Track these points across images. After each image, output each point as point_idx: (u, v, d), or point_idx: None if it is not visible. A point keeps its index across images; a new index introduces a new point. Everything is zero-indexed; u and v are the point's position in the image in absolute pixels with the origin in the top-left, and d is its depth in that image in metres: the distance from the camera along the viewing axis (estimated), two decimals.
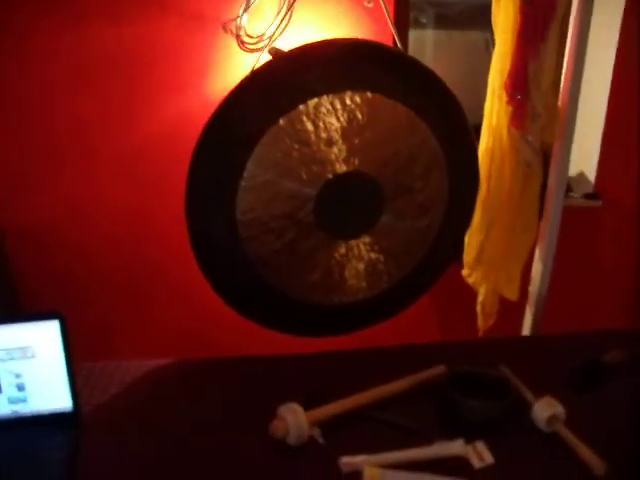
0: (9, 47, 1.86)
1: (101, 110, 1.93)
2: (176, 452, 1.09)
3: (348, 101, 1.29)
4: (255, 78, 1.25)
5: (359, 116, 1.31)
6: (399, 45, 1.43)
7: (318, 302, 1.49)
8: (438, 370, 1.22)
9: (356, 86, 1.29)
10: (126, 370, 1.36)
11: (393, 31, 1.40)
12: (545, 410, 1.11)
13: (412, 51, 2.03)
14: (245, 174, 1.30)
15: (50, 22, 1.81)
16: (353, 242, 1.44)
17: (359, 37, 1.31)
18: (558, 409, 1.11)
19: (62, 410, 1.16)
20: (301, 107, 1.28)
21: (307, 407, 1.10)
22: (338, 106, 1.29)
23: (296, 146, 1.30)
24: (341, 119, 1.31)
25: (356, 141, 1.34)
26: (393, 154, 1.38)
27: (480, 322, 1.81)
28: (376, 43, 1.29)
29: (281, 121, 1.28)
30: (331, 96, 1.28)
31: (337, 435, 1.09)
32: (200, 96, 1.84)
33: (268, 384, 1.29)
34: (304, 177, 1.33)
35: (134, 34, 1.81)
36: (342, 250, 1.44)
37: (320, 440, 1.07)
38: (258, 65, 1.25)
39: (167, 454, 1.09)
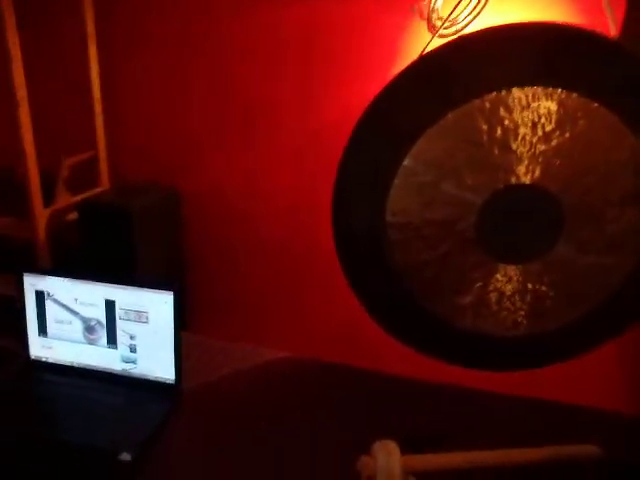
0: (210, 29, 1.96)
1: (287, 91, 1.92)
2: (255, 451, 1.03)
3: (535, 99, 1.07)
4: (424, 64, 1.09)
5: (547, 118, 1.08)
6: (614, 33, 1.14)
7: (467, 328, 1.29)
8: (588, 450, 0.95)
9: (548, 82, 1.06)
10: (251, 355, 1.32)
11: (607, 14, 1.12)
12: None
13: None
14: (401, 171, 1.15)
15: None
16: (518, 268, 1.21)
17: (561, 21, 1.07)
18: None
19: (165, 380, 1.16)
20: (476, 101, 1.08)
21: (410, 449, 0.93)
22: (522, 104, 1.08)
23: (464, 146, 1.11)
24: (524, 120, 1.09)
25: (540, 149, 1.10)
26: (585, 170, 1.12)
27: None
28: (582, 29, 1.03)
29: (450, 115, 1.10)
30: (514, 91, 1.07)
31: None
32: (382, 82, 1.72)
33: (385, 408, 1.15)
34: (469, 182, 1.14)
35: (323, 13, 1.76)
36: (502, 275, 1.22)
37: None
38: (429, 49, 1.09)
39: (245, 450, 1.02)
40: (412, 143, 1.13)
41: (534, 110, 1.07)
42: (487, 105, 1.08)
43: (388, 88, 1.11)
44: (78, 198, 2.03)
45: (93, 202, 1.99)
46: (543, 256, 1.19)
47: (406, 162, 1.14)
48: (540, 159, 1.10)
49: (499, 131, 1.09)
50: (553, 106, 1.06)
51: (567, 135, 1.08)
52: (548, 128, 1.08)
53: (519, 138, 1.09)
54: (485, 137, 1.10)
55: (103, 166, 2.15)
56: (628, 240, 1.14)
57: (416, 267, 1.23)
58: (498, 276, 1.23)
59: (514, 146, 1.10)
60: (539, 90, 1.05)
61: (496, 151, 1.11)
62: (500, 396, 1.23)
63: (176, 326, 1.12)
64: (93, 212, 1.95)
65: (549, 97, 1.05)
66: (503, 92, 1.07)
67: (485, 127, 1.09)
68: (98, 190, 2.14)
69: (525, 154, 1.10)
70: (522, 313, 1.25)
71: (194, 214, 2.13)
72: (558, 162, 1.11)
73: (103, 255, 1.97)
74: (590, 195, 1.12)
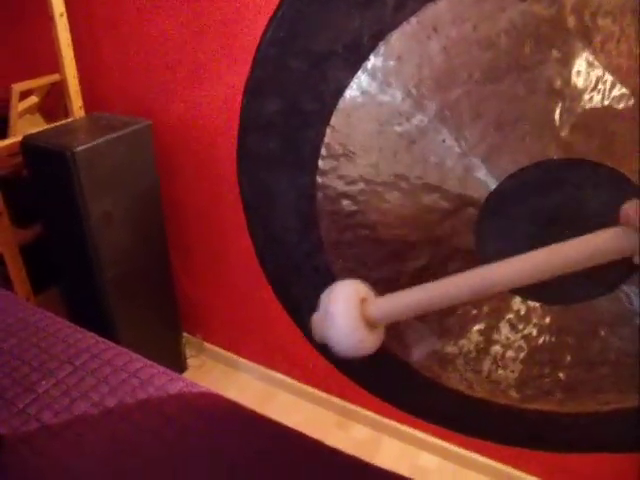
0: None
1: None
2: None
3: None
4: None
5: None
6: None
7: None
8: None
9: None
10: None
11: None
12: None
13: None
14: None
15: None
16: (546, 310, 0.70)
17: None
18: None
19: None
20: None
21: None
22: None
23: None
24: None
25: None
26: None
27: None
28: None
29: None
30: None
31: None
32: None
33: None
34: (470, 140, 0.62)
35: None
36: (517, 317, 0.72)
37: None
38: None
39: None
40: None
41: None
42: None
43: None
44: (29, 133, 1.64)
45: (30, 141, 1.56)
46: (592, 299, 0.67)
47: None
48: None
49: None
50: None
51: None
52: None
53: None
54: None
55: (74, 93, 1.76)
56: None
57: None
58: (511, 315, 0.72)
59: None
60: None
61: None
62: None
63: None
64: (30, 154, 1.56)
65: None
66: None
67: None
68: (67, 121, 1.76)
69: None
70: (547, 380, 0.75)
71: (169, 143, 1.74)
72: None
73: (50, 203, 1.61)
74: None
